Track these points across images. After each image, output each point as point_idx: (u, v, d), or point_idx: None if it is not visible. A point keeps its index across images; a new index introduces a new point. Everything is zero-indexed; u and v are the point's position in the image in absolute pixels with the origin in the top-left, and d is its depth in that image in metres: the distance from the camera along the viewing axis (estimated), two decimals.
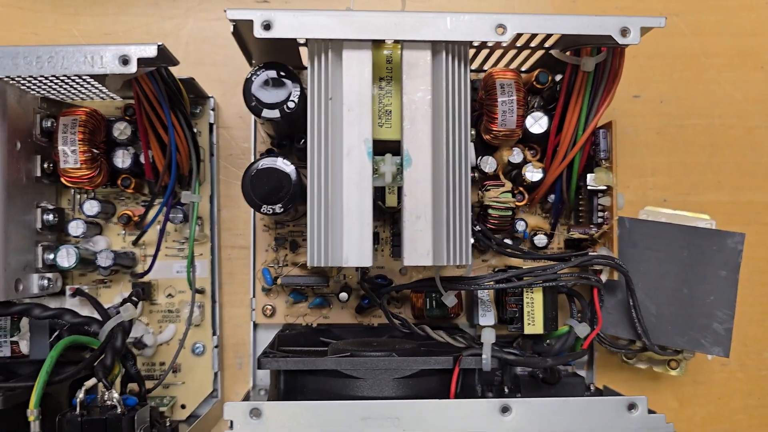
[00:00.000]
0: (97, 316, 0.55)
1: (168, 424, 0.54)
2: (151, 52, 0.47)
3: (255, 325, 0.61)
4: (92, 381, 0.51)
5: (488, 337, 0.49)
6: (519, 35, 0.49)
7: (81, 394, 0.50)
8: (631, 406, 0.47)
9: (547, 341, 0.57)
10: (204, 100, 0.62)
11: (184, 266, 0.60)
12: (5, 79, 0.51)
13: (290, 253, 0.61)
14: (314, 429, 0.46)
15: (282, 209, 0.51)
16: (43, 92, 0.56)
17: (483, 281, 0.54)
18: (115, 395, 0.50)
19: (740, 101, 0.65)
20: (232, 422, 0.46)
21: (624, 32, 0.48)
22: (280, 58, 0.54)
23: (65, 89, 0.56)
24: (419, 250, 0.48)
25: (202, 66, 0.64)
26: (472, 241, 0.49)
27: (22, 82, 0.53)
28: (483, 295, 0.57)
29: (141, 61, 0.47)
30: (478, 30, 0.48)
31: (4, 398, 0.46)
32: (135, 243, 0.60)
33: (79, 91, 0.57)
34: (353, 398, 0.48)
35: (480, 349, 0.48)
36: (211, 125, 0.62)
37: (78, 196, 0.60)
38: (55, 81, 0.53)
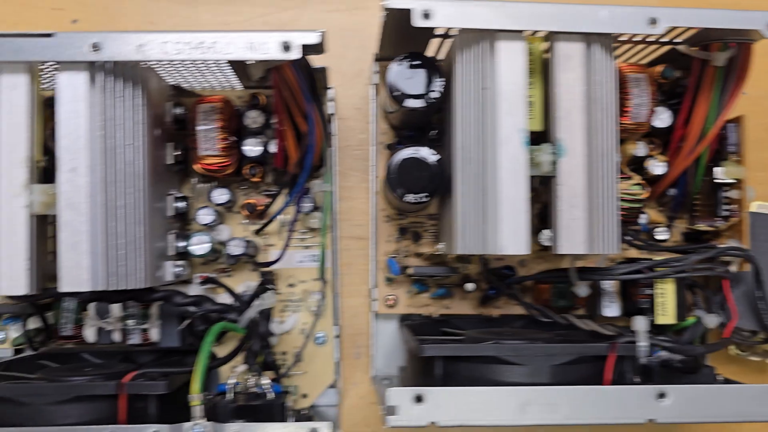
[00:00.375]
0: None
1: (305, 411, 0.55)
2: (313, 39, 0.47)
3: (376, 315, 0.61)
4: (242, 367, 0.51)
5: (641, 324, 0.50)
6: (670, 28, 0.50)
7: (232, 380, 0.50)
8: None
9: (671, 332, 0.57)
10: (324, 91, 0.62)
11: (306, 256, 0.60)
12: (145, 64, 0.51)
13: (412, 244, 0.61)
14: (474, 414, 0.46)
15: (427, 197, 0.52)
16: (172, 79, 0.57)
17: (616, 271, 0.55)
18: (266, 381, 0.50)
19: None
20: (394, 407, 0.46)
21: None
22: (408, 48, 0.55)
23: (194, 76, 0.56)
24: (575, 238, 0.48)
25: (320, 57, 0.64)
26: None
27: (159, 68, 0.53)
28: (608, 286, 0.58)
29: (303, 49, 0.47)
30: (632, 23, 0.49)
31: (169, 383, 0.46)
32: (258, 232, 0.60)
33: (206, 79, 0.57)
34: (508, 384, 0.48)
35: (633, 337, 0.49)
36: (330, 116, 0.62)
37: (199, 186, 0.60)
38: (191, 68, 0.53)
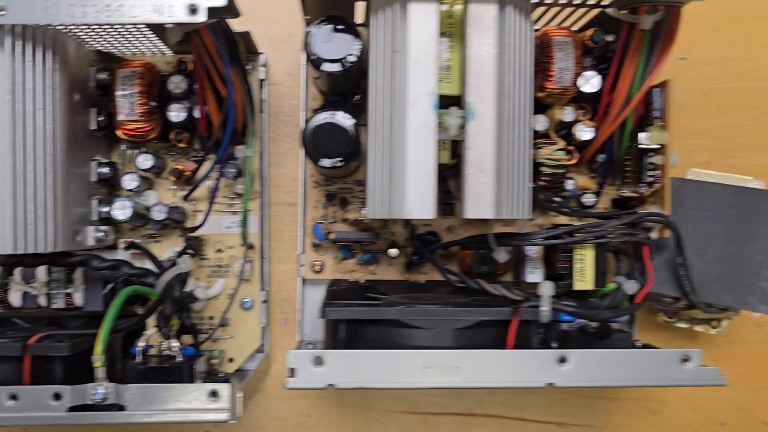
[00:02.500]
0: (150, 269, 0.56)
1: (222, 374, 0.55)
2: (219, 1, 0.47)
3: (303, 281, 0.62)
4: (152, 330, 0.52)
5: (546, 289, 0.50)
6: None
7: (141, 343, 0.51)
8: (685, 359, 0.48)
9: (592, 298, 0.57)
10: (254, 56, 0.61)
11: (234, 222, 0.61)
12: (65, 29, 0.51)
13: (339, 210, 0.61)
14: (375, 376, 0.47)
15: (342, 162, 0.52)
16: (97, 45, 0.56)
17: (535, 237, 0.55)
18: (176, 344, 0.51)
19: None
20: (293, 369, 0.47)
21: None
22: (334, 11, 0.54)
23: (119, 42, 0.56)
24: (482, 203, 0.48)
25: (250, 22, 0.63)
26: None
27: (79, 33, 0.53)
28: (532, 252, 0.58)
29: (209, 12, 0.47)
30: None
31: (72, 345, 0.47)
32: (186, 198, 0.60)
33: (133, 44, 0.57)
34: (413, 348, 0.49)
35: (538, 302, 0.49)
36: (261, 81, 0.62)
37: (129, 152, 0.60)
38: (112, 33, 0.53)
